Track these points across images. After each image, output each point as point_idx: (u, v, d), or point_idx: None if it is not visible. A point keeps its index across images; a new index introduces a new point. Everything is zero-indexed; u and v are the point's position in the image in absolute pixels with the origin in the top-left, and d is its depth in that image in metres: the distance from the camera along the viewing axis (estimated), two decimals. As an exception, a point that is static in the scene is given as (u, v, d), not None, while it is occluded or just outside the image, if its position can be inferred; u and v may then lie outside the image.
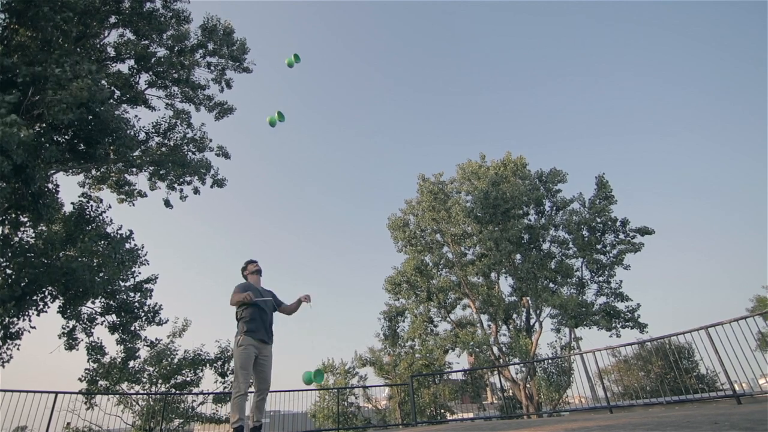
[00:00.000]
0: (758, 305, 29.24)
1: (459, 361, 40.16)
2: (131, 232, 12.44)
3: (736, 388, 7.40)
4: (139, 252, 12.63)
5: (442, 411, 19.51)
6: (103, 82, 11.15)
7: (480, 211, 20.31)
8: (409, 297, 22.03)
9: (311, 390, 14.96)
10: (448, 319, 21.72)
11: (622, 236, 18.89)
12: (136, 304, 12.52)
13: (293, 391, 11.29)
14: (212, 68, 15.32)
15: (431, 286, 21.38)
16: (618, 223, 18.94)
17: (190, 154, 14.99)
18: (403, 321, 22.42)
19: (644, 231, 18.60)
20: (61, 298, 10.96)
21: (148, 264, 12.94)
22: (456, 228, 22.28)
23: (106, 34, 13.04)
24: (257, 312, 4.12)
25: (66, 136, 10.58)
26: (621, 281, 18.81)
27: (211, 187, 15.46)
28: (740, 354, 6.86)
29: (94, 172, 14.26)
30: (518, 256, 20.57)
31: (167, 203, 15.19)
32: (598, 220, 19.11)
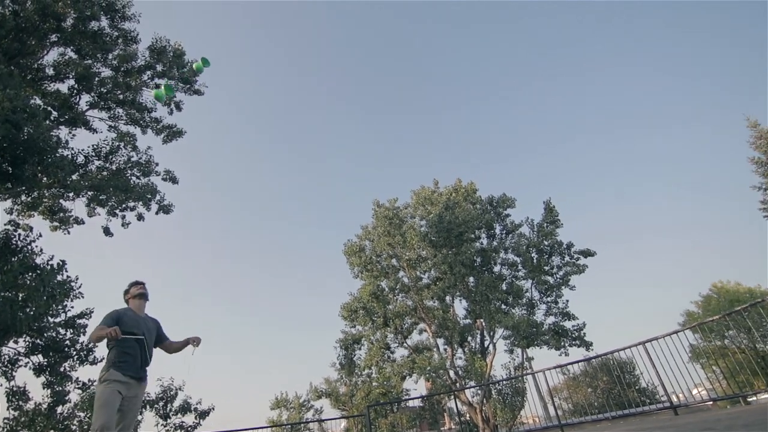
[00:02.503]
0: (688, 319, 31.66)
1: (416, 387, 39.84)
2: (63, 262, 11.45)
3: (674, 399, 7.89)
4: (73, 284, 11.61)
5: (401, 440, 19.13)
6: (37, 100, 10.46)
7: (434, 235, 20.74)
8: (366, 323, 21.77)
9: (263, 428, 14.17)
10: (405, 344, 21.63)
11: (567, 258, 19.96)
12: (67, 341, 11.42)
13: (244, 430, 10.65)
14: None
15: (388, 311, 21.30)
16: (564, 246, 20.03)
17: (134, 178, 14.24)
18: (360, 349, 22.05)
19: (587, 253, 19.78)
20: (-24, 337, 9.79)
21: (83, 297, 11.92)
22: (411, 252, 22.54)
23: (45, 53, 12.33)
24: (132, 344, 3.63)
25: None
26: (567, 301, 19.77)
27: (157, 213, 14.72)
28: (675, 366, 7.37)
29: (24, 197, 13.13)
30: (471, 279, 21.07)
31: (107, 231, 14.23)
32: (546, 243, 20.11)
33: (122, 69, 13.55)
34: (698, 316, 30.14)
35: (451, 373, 19.96)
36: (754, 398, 9.84)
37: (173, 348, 4.15)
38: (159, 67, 14.54)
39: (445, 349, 21.04)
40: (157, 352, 4.12)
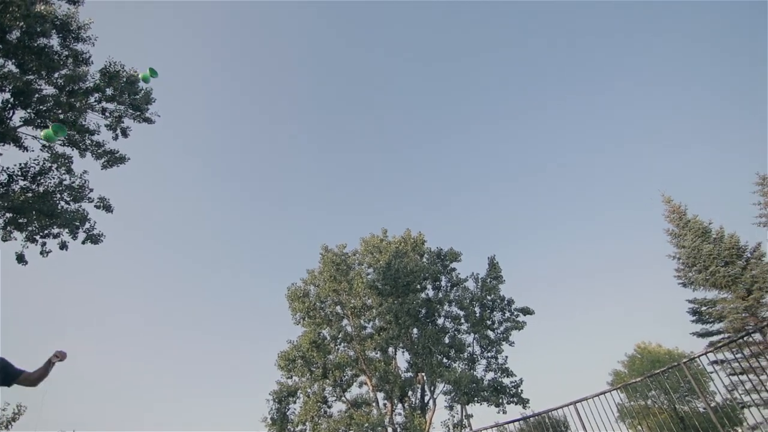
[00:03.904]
0: (616, 379, 33.11)
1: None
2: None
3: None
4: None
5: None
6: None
7: (382, 283, 20.66)
8: (303, 374, 20.66)
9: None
10: (343, 398, 20.64)
11: (508, 314, 20.56)
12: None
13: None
14: (107, 114, 14.22)
15: (328, 361, 20.44)
16: (505, 302, 20.68)
17: (62, 203, 13.14)
18: (295, 402, 20.71)
19: (526, 311, 20.52)
20: None
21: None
22: (357, 300, 22.18)
23: (-20, 63, 11.52)
24: None
25: None
26: (507, 357, 20.10)
27: (83, 242, 13.54)
28: (603, 426, 7.59)
29: None
30: (415, 331, 20.96)
31: (21, 258, 12.80)
32: (489, 297, 20.67)
33: (67, 89, 12.90)
34: (625, 376, 31.63)
35: (390, 430, 19.17)
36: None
37: (34, 378, 3.57)
38: (109, 91, 13.99)
39: (384, 404, 20.31)
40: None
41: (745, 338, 8.39)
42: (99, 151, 14.25)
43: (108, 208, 14.05)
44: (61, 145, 13.43)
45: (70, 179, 13.41)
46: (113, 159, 14.52)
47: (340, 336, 21.59)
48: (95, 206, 13.84)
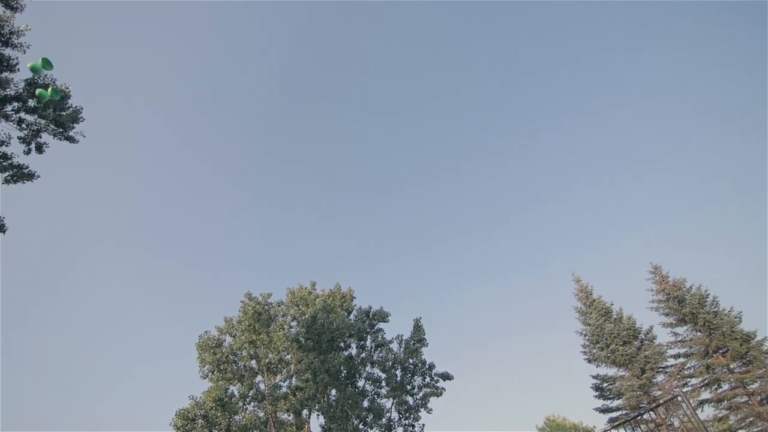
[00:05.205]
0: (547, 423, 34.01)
1: None
2: None
3: None
4: None
5: None
6: None
7: (304, 336, 19.72)
8: (203, 437, 18.41)
9: None
10: (245, 466, 18.55)
11: (428, 379, 20.42)
12: None
13: None
14: (24, 126, 12.97)
15: (233, 423, 18.51)
16: (426, 366, 20.60)
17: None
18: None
19: (446, 376, 20.55)
20: None
21: None
22: (274, 354, 20.84)
23: None
24: None
25: None
26: (424, 425, 19.67)
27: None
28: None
29: None
30: (334, 392, 19.94)
31: None
32: (411, 360, 20.49)
33: (-19, 92, 11.69)
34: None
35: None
36: None
37: None
38: (31, 103, 12.92)
39: (290, 475, 18.56)
40: None
41: (641, 416, 9.08)
42: (5, 163, 12.79)
43: (1, 228, 12.36)
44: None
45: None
46: (21, 174, 13.09)
47: (250, 394, 19.88)
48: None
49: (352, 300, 23.41)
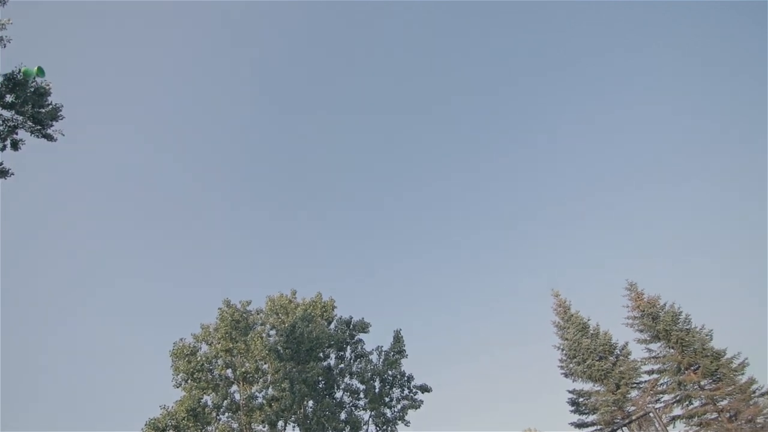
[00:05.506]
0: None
1: None
2: None
3: None
4: None
5: None
6: None
7: (283, 345, 19.41)
8: (173, 448, 17.84)
9: None
10: (216, 479, 18.01)
11: (407, 391, 20.30)
12: None
13: None
14: (0, 121, 12.58)
15: (205, 434, 17.99)
16: (405, 378, 20.49)
17: None
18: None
19: (424, 388, 20.47)
20: None
21: None
22: (251, 363, 20.42)
23: None
24: None
25: None
26: (401, 439, 19.46)
27: None
28: None
29: None
30: (311, 403, 19.62)
31: None
32: (390, 372, 20.35)
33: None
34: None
35: None
36: None
37: None
38: (9, 98, 12.56)
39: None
40: None
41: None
42: (-24, 159, 12.34)
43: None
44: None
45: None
46: (-8, 171, 12.60)
47: (224, 404, 19.38)
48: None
49: (333, 310, 23.19)
